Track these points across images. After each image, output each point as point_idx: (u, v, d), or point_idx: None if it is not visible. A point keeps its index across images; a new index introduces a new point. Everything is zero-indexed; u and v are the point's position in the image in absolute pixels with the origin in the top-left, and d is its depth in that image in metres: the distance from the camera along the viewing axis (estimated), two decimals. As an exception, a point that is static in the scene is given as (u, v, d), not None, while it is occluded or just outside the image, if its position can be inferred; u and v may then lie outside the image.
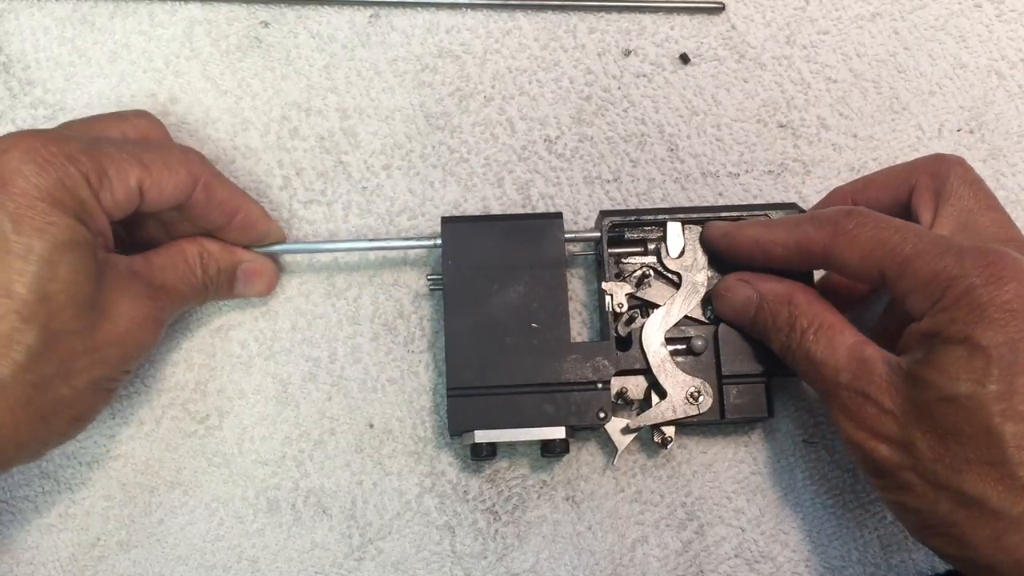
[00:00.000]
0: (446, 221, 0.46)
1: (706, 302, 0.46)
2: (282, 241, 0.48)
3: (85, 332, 0.39)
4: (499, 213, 0.50)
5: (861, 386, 0.39)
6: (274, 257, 0.49)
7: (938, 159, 0.43)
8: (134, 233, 0.46)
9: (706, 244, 0.46)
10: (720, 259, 0.46)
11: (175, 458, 0.48)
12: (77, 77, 0.51)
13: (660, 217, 0.46)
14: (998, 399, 0.35)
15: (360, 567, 0.47)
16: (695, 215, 0.46)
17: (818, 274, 0.47)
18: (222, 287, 0.47)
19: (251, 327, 0.49)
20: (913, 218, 0.42)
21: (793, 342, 0.42)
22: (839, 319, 0.41)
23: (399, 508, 0.48)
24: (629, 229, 0.47)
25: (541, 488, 0.48)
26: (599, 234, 0.46)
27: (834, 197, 0.47)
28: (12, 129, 0.50)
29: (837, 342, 0.41)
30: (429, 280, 0.47)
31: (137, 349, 0.42)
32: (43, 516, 0.48)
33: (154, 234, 0.46)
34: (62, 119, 0.50)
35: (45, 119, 0.50)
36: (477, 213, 0.50)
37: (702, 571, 0.48)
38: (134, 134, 0.45)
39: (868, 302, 0.48)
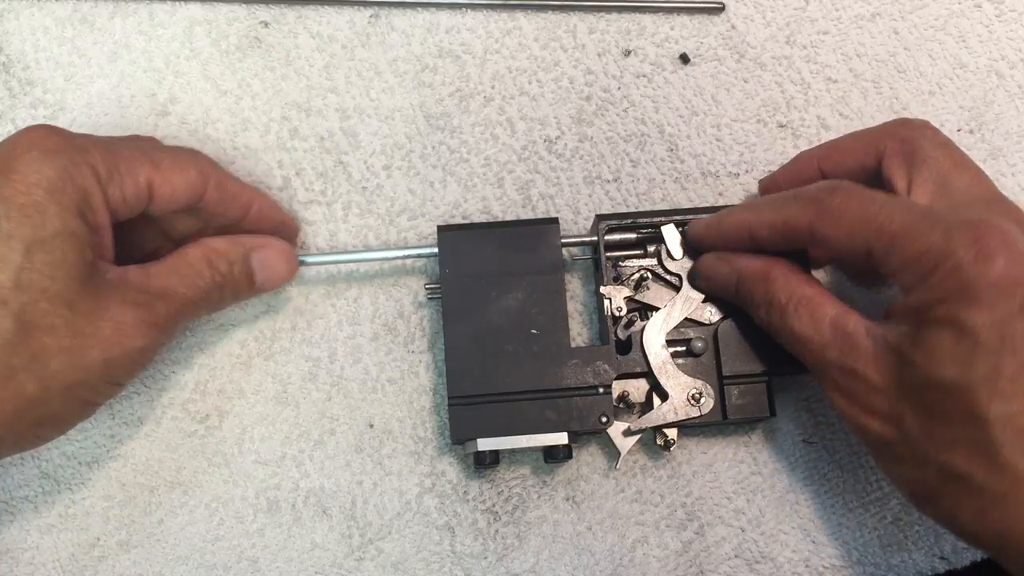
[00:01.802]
0: (442, 230, 0.46)
1: (706, 303, 0.46)
2: (297, 229, 0.49)
3: (62, 331, 0.38)
4: (498, 216, 0.50)
5: (849, 363, 0.39)
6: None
7: (904, 124, 0.43)
8: (141, 246, 0.46)
9: (692, 242, 0.46)
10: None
11: (175, 458, 0.48)
12: (77, 77, 0.51)
13: (656, 220, 0.46)
14: (985, 382, 0.35)
15: (360, 567, 0.47)
16: (692, 217, 0.46)
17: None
18: (241, 283, 0.45)
19: (251, 327, 0.49)
20: (885, 184, 0.42)
21: (774, 318, 0.42)
22: (818, 291, 0.41)
23: (399, 508, 0.48)
24: (626, 232, 0.47)
25: (541, 488, 0.48)
26: (596, 238, 0.46)
27: (800, 162, 0.46)
28: (12, 129, 0.50)
29: (818, 316, 0.40)
30: (427, 289, 0.47)
31: (123, 357, 0.40)
32: (43, 516, 0.48)
33: (161, 250, 0.45)
34: (62, 119, 0.50)
35: (45, 119, 0.50)
36: (477, 213, 0.50)
37: (702, 571, 0.48)
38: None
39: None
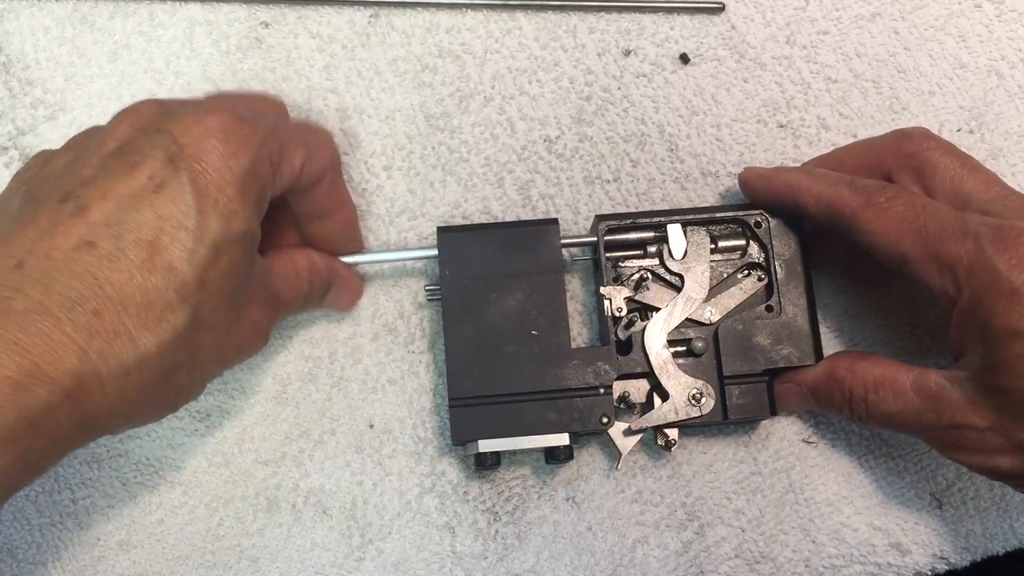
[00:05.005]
0: (442, 231, 0.46)
1: (706, 303, 0.46)
2: (361, 250, 0.48)
3: (218, 327, 0.38)
4: (498, 216, 0.50)
5: (948, 419, 0.40)
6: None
7: (903, 137, 0.44)
8: None
9: (742, 188, 0.47)
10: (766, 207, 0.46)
11: (175, 457, 0.48)
12: (77, 77, 0.51)
13: (655, 220, 0.46)
14: None
15: (360, 567, 0.48)
16: (691, 216, 0.46)
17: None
18: (314, 300, 0.45)
19: (251, 327, 0.49)
20: None
21: (860, 412, 0.43)
22: (885, 366, 0.42)
23: (399, 508, 0.48)
24: (626, 232, 0.47)
25: (541, 488, 0.48)
26: (595, 238, 0.46)
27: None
28: (12, 129, 0.50)
29: (899, 389, 0.41)
30: (427, 291, 0.47)
31: (244, 355, 0.41)
32: (43, 515, 0.48)
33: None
34: (62, 119, 0.50)
35: (45, 119, 0.50)
36: (477, 213, 0.50)
37: (702, 571, 0.48)
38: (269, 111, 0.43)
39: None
